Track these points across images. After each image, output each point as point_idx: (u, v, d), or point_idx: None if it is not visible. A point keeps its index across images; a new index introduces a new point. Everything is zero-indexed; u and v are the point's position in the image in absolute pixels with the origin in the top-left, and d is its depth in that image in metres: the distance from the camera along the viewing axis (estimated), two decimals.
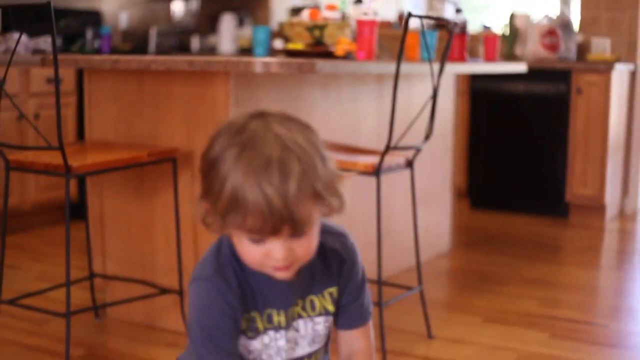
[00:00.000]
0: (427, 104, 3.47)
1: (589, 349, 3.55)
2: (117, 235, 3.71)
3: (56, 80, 2.88)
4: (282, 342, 1.52)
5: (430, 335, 3.61)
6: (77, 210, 5.02)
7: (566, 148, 5.91)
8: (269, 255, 1.37)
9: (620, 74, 5.90)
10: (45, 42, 5.80)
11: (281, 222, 1.30)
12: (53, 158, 3.09)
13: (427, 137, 3.46)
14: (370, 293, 1.63)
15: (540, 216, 6.06)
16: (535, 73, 5.93)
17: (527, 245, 5.32)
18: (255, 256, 1.38)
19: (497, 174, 6.25)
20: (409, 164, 3.45)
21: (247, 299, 1.47)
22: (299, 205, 1.30)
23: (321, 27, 3.90)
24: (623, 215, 6.24)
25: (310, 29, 3.90)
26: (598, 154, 5.81)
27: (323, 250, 1.49)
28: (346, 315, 1.59)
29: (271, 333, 1.51)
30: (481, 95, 6.22)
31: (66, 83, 5.55)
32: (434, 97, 3.37)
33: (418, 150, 3.41)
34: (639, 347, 3.64)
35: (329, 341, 1.66)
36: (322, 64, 3.11)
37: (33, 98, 5.32)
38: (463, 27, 4.16)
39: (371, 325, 1.65)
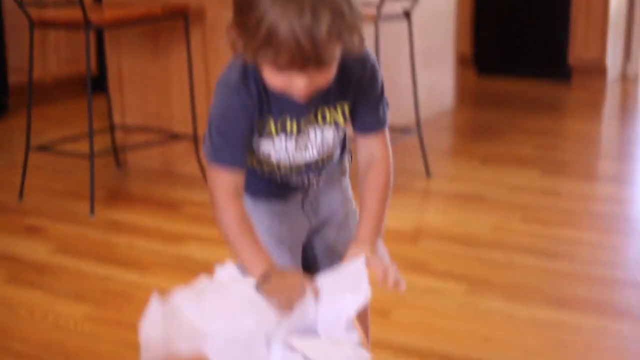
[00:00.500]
0: None
1: (574, 183, 3.80)
2: (135, 91, 3.96)
3: None
4: (290, 145, 1.68)
5: (428, 174, 3.87)
6: (97, 83, 5.23)
7: (569, 12, 6.07)
8: (292, 85, 1.52)
9: None
10: None
11: (308, 61, 1.45)
12: (73, 14, 3.32)
13: None
14: (388, 107, 1.75)
15: (544, 80, 6.25)
16: None
17: (529, 103, 5.54)
18: (279, 83, 1.53)
19: (502, 40, 6.43)
20: (407, 14, 3.66)
21: (264, 105, 1.62)
22: (326, 48, 1.45)
23: None
24: (625, 78, 6.43)
25: None
26: (600, 18, 5.97)
27: (342, 69, 1.60)
28: (362, 120, 1.73)
29: (282, 137, 1.66)
30: None
31: None
32: None
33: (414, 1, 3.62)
34: (629, 181, 3.91)
35: (345, 151, 1.86)
36: None
37: None
38: None
39: (387, 135, 1.78)
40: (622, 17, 6.24)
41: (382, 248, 1.71)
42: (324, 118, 1.68)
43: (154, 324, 1.55)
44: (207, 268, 2.77)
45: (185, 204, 3.53)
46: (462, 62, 6.23)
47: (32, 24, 3.40)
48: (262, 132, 1.65)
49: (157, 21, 3.51)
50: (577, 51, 6.09)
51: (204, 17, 3.66)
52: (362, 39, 1.54)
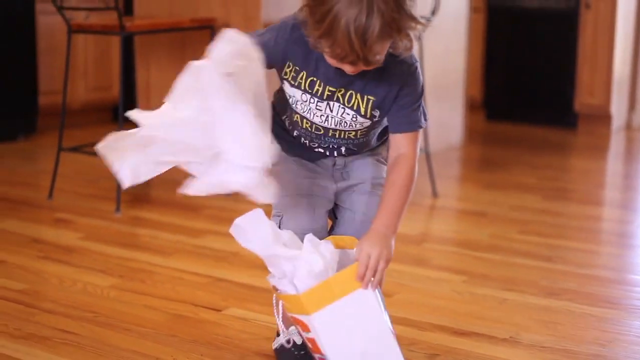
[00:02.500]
0: None
1: (574, 206, 4.01)
2: (161, 100, 4.19)
3: None
4: (312, 105, 1.91)
5: (435, 194, 4.08)
6: (123, 111, 5.45)
7: (575, 60, 6.32)
8: (342, 65, 1.77)
9: None
10: None
11: (357, 59, 1.71)
12: (108, 20, 3.58)
13: (434, 11, 3.92)
14: (426, 113, 1.96)
15: (551, 126, 6.48)
16: None
17: (535, 144, 5.76)
18: (331, 60, 1.77)
19: (511, 87, 6.68)
20: (418, 37, 3.90)
21: (304, 56, 1.87)
22: (375, 51, 1.70)
23: None
24: (630, 127, 6.64)
25: None
26: (605, 65, 6.21)
27: (387, 67, 1.81)
28: (396, 120, 1.94)
29: (308, 95, 1.90)
30: (497, 11, 6.64)
31: None
32: None
33: (428, 21, 3.87)
34: (629, 207, 4.11)
35: (382, 142, 2.08)
36: None
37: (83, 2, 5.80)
38: None
39: (419, 137, 1.98)
40: (627, 67, 6.48)
41: (391, 246, 1.86)
42: (349, 100, 1.90)
43: None
44: (224, 256, 3.00)
45: (205, 207, 3.75)
46: (472, 106, 6.48)
47: (70, 29, 3.66)
48: (295, 80, 1.89)
49: (184, 31, 3.76)
50: (583, 99, 6.32)
51: None
52: (411, 43, 1.76)
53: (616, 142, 5.97)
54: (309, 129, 1.97)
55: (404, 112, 1.93)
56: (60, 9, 3.63)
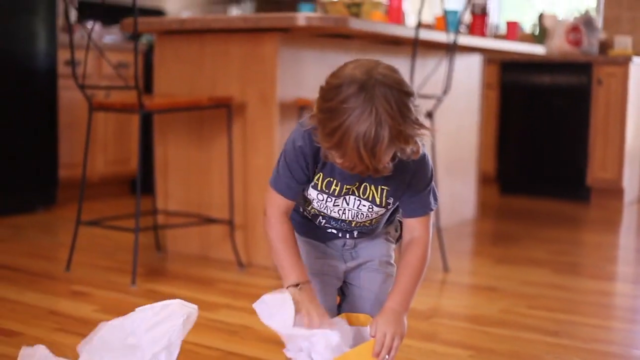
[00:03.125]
0: (442, 59, 4.03)
1: (585, 281, 4.06)
2: (178, 177, 4.31)
3: (134, 34, 3.51)
4: (330, 204, 2.03)
5: (446, 268, 4.14)
6: (141, 185, 5.51)
7: (587, 135, 6.42)
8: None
9: (638, 66, 6.40)
10: (114, 32, 6.45)
11: (367, 170, 1.82)
12: (128, 99, 3.71)
13: (446, 90, 4.03)
14: (436, 194, 2.06)
15: (564, 199, 6.54)
16: (560, 66, 6.48)
17: (548, 217, 5.82)
18: (342, 166, 1.88)
19: (524, 161, 6.78)
20: (429, 114, 4.01)
21: (319, 163, 1.98)
22: (384, 161, 1.81)
23: (358, 5, 4.48)
24: None
25: (349, 5, 4.49)
26: (617, 140, 6.31)
27: (396, 164, 1.89)
28: (409, 206, 2.05)
29: (325, 195, 2.01)
30: (510, 87, 6.77)
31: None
32: (452, 50, 3.95)
33: (438, 100, 3.97)
34: (638, 281, 4.16)
35: (392, 222, 2.18)
36: (354, 20, 3.70)
37: (104, 79, 5.95)
38: (483, 8, 4.73)
39: (431, 219, 2.09)
40: (639, 141, 6.57)
41: (404, 324, 1.98)
42: (364, 192, 2.01)
43: None
44: (237, 330, 3.07)
45: (219, 282, 3.82)
46: (486, 181, 6.58)
47: (91, 106, 3.78)
48: (311, 182, 2.01)
49: (202, 109, 3.88)
50: (596, 173, 6.40)
51: (245, 110, 4.03)
52: (417, 148, 1.86)
53: (628, 216, 6.03)
54: (327, 219, 2.07)
55: (416, 197, 2.04)
56: (82, 87, 3.76)
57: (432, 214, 2.08)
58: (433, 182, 2.05)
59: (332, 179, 1.99)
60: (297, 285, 1.98)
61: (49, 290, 3.64)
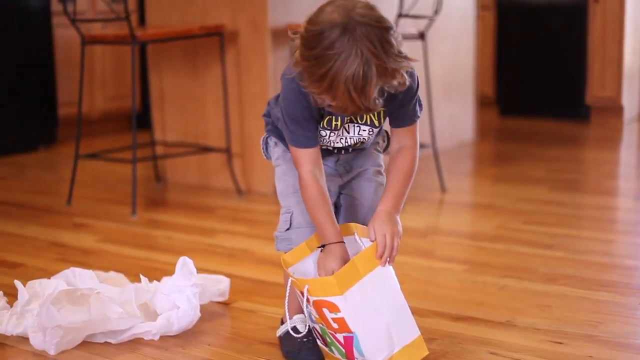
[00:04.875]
0: None
1: (583, 196, 4.09)
2: (175, 108, 4.33)
3: None
4: (333, 137, 2.08)
5: (443, 188, 4.18)
6: (141, 120, 5.50)
7: (585, 54, 6.40)
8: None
9: None
10: None
11: (359, 110, 1.86)
12: (120, 30, 3.71)
13: (437, 10, 4.02)
14: (421, 103, 2.11)
15: (564, 119, 6.55)
16: None
17: (547, 137, 5.84)
18: (332, 107, 1.93)
19: (523, 82, 6.76)
20: (422, 35, 4.00)
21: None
22: (374, 98, 1.84)
23: None
24: None
25: None
26: (615, 58, 6.29)
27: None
28: (397, 118, 2.10)
29: (327, 130, 2.06)
30: (506, 8, 6.73)
31: None
32: None
33: (430, 20, 3.97)
34: (636, 195, 4.19)
35: (380, 141, 2.24)
36: None
37: (98, 15, 5.93)
38: None
39: (417, 126, 2.15)
40: (637, 59, 6.54)
41: (399, 223, 2.06)
42: (362, 117, 2.07)
43: None
44: (235, 253, 3.12)
45: (218, 209, 3.87)
46: (485, 103, 6.58)
47: (84, 40, 3.79)
48: (323, 118, 2.04)
49: (195, 38, 3.89)
50: (594, 92, 6.39)
51: (237, 38, 4.03)
52: (404, 80, 1.89)
53: (628, 134, 6.04)
54: (328, 145, 2.12)
55: (404, 108, 2.09)
56: (74, 21, 3.76)
57: (427, 135, 2.14)
58: (418, 92, 2.08)
59: (331, 117, 2.03)
60: (322, 247, 2.05)
61: (51, 224, 3.69)
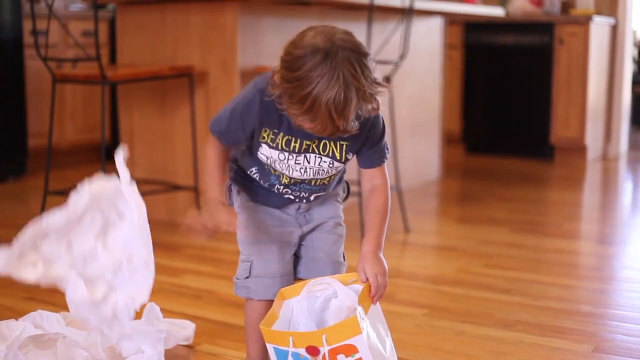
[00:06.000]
0: (400, 24, 4.12)
1: (542, 239, 4.18)
2: (144, 146, 4.39)
3: (95, 4, 3.57)
4: (291, 162, 2.11)
5: (407, 229, 4.25)
6: (111, 152, 5.53)
7: (550, 94, 6.53)
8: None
9: (599, 26, 6.51)
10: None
11: (337, 131, 1.92)
12: (91, 70, 3.77)
13: (403, 55, 4.11)
14: (387, 144, 2.20)
15: (528, 158, 6.67)
16: (523, 26, 6.58)
17: (511, 176, 5.95)
18: (305, 127, 1.97)
19: (489, 120, 6.89)
20: (387, 79, 4.08)
21: (280, 120, 2.06)
22: (351, 120, 1.91)
23: None
24: (606, 158, 6.84)
25: None
26: (579, 98, 6.43)
27: None
28: (366, 158, 2.18)
29: (286, 153, 2.10)
30: (474, 47, 6.87)
31: (102, 33, 6.21)
32: (408, 14, 4.03)
33: (396, 65, 4.06)
34: (593, 238, 4.29)
35: (341, 183, 2.30)
36: None
37: (70, 48, 5.98)
38: None
39: (386, 169, 2.23)
40: (602, 99, 6.69)
41: (384, 261, 2.14)
42: (324, 149, 2.11)
43: None
44: (201, 294, 3.16)
45: (185, 247, 3.92)
46: (452, 141, 6.70)
47: (55, 79, 3.84)
48: (272, 142, 2.09)
49: (164, 79, 3.96)
50: (559, 131, 6.52)
51: (206, 79, 4.11)
52: (377, 105, 1.98)
53: (591, 174, 6.16)
54: (287, 183, 2.17)
55: (374, 149, 2.17)
56: (45, 59, 3.82)
57: (392, 175, 2.23)
58: (384, 135, 2.17)
59: (290, 137, 2.07)
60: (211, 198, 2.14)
61: None
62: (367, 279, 2.09)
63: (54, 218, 2.36)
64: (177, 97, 4.22)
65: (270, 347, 2.10)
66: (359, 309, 2.02)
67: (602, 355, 2.65)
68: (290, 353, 2.04)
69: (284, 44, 1.94)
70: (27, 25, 5.55)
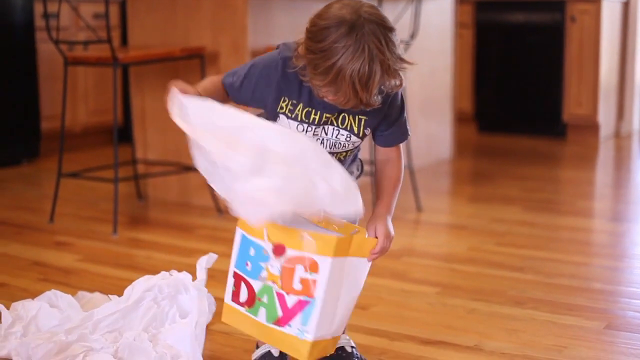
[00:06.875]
0: (410, 3, 4.11)
1: (555, 217, 4.18)
2: (156, 127, 4.40)
3: None
4: (310, 134, 2.10)
5: (419, 208, 4.26)
6: (123, 134, 5.58)
7: (562, 72, 6.51)
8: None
9: (611, 3, 6.47)
10: None
11: (360, 103, 1.93)
12: (103, 52, 3.79)
13: (413, 35, 4.11)
14: (408, 127, 2.19)
15: (541, 136, 6.66)
16: (534, 4, 6.55)
17: (524, 155, 5.94)
18: (327, 98, 1.98)
19: (501, 99, 6.87)
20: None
21: (301, 90, 2.06)
22: (374, 94, 1.92)
23: None
24: (618, 136, 6.81)
25: None
26: (591, 76, 6.40)
27: None
28: (384, 137, 2.18)
29: (305, 124, 2.09)
30: (485, 26, 6.84)
31: (113, 15, 6.21)
32: None
33: (407, 45, 4.06)
34: (606, 216, 4.29)
35: (355, 170, 2.29)
36: None
37: (81, 31, 5.99)
38: None
39: (403, 146, 2.24)
40: (614, 77, 6.67)
41: (390, 224, 2.14)
42: (343, 122, 2.11)
43: None
44: (213, 274, 3.18)
45: (198, 228, 3.94)
46: (464, 120, 6.69)
47: (66, 61, 3.86)
48: (291, 113, 2.09)
49: (176, 60, 3.97)
50: (571, 109, 6.50)
51: (217, 59, 4.11)
52: (401, 81, 1.98)
53: (604, 151, 6.15)
54: None
55: (394, 127, 2.17)
56: (57, 42, 3.83)
57: (404, 154, 2.24)
58: (405, 112, 2.17)
59: (310, 109, 2.07)
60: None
61: (33, 242, 3.75)
62: (376, 237, 2.09)
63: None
64: (188, 78, 4.20)
65: (238, 232, 2.11)
66: (363, 231, 2.05)
67: (613, 332, 2.66)
68: (253, 244, 2.06)
69: (294, 25, 1.95)
70: (38, 8, 5.57)
